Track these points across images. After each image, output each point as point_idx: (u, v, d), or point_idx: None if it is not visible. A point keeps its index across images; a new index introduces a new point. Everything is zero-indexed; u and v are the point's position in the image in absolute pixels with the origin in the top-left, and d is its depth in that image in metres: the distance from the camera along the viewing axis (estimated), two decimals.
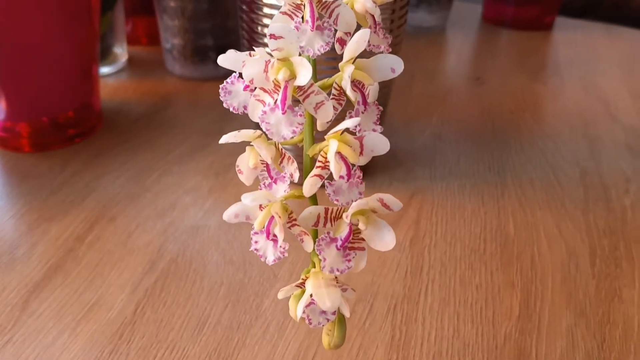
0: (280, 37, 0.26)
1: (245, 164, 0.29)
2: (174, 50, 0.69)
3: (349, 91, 0.27)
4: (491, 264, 0.45)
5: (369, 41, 0.31)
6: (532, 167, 0.58)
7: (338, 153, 0.26)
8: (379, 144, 0.26)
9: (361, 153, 0.26)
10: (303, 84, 0.26)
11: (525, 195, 0.53)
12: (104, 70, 0.70)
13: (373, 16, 0.31)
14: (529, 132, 0.64)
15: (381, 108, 0.29)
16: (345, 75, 0.27)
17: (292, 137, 0.26)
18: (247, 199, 0.25)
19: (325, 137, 0.26)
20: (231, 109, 0.30)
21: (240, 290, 0.42)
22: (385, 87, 0.51)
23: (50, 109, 0.54)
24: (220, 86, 0.30)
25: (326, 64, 0.43)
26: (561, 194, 0.54)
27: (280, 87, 0.26)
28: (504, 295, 0.42)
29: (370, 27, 0.31)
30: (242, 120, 0.63)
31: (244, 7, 0.47)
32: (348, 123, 0.25)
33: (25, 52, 0.50)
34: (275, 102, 0.27)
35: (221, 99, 0.30)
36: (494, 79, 0.76)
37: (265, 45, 0.46)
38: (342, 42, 0.31)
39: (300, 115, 0.26)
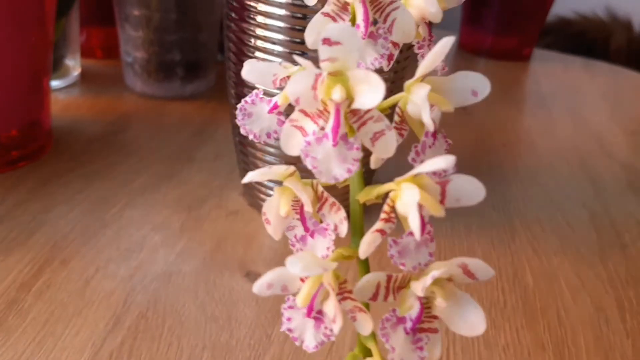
0: (337, 44, 0.19)
1: (275, 211, 0.22)
2: (136, 64, 0.61)
3: (426, 118, 0.20)
4: (515, 321, 0.39)
5: (421, 56, 0.25)
6: (538, 207, 0.53)
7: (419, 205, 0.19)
8: (468, 190, 0.20)
9: (442, 202, 0.20)
10: (369, 107, 0.19)
11: (536, 239, 0.48)
12: (54, 83, 0.61)
13: (430, 26, 0.25)
14: (527, 168, 0.59)
15: (450, 141, 0.22)
16: (420, 97, 0.20)
17: (346, 177, 0.19)
18: (295, 266, 0.18)
19: (396, 180, 0.20)
20: (251, 137, 0.23)
21: (228, 356, 0.34)
22: None
23: None
24: (238, 106, 0.23)
25: None
26: (574, 239, 0.49)
27: (329, 111, 0.20)
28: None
29: (424, 40, 0.25)
30: (216, 144, 0.56)
31: (233, 14, 0.40)
32: (440, 163, 0.18)
33: None
34: (322, 130, 0.20)
35: (238, 122, 0.23)
36: (480, 110, 0.71)
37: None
38: (390, 57, 0.24)
39: (357, 149, 0.20)
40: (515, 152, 0.62)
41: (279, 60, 0.38)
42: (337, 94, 0.19)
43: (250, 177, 0.21)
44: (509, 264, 0.45)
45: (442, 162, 0.18)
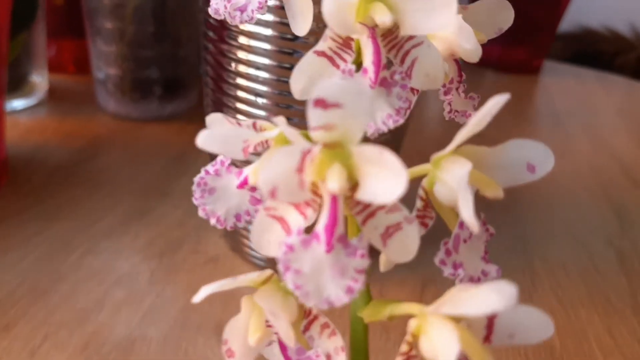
0: (335, 106, 0.13)
1: (240, 337, 0.16)
2: (109, 82, 0.54)
3: (468, 213, 0.14)
4: None
5: (450, 104, 0.19)
6: (560, 245, 0.47)
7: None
8: (529, 325, 0.13)
9: (488, 339, 0.14)
10: (384, 203, 0.13)
11: (560, 286, 0.42)
12: (16, 104, 0.55)
13: (459, 63, 0.18)
14: (544, 197, 0.53)
15: (492, 230, 0.16)
16: (459, 179, 0.14)
17: (346, 301, 0.13)
18: None
19: (423, 311, 0.14)
20: (213, 221, 0.17)
21: None
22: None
23: None
24: (195, 180, 0.17)
25: None
26: (602, 285, 0.43)
27: (323, 199, 0.13)
28: None
29: (451, 82, 0.19)
30: (196, 174, 0.49)
31: (211, 33, 0.34)
32: (493, 302, 0.12)
33: None
34: (311, 229, 0.14)
35: (196, 201, 0.17)
36: (490, 130, 0.65)
37: (242, 89, 0.33)
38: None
39: (362, 256, 0.13)
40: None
41: (264, 89, 0.32)
42: (335, 181, 0.13)
43: (206, 291, 0.15)
44: None
45: (498, 299, 0.12)
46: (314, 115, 0.13)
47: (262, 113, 0.32)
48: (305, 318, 0.16)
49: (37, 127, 0.54)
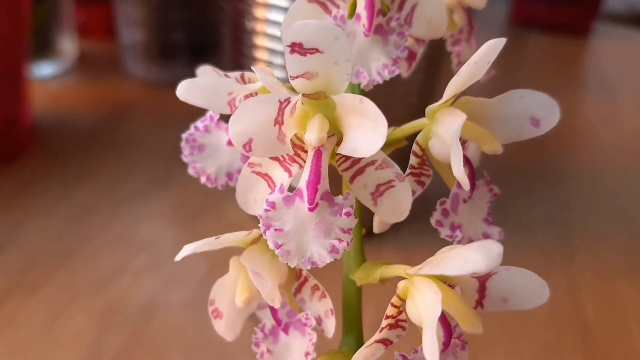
0: (314, 51, 0.12)
1: (228, 297, 0.15)
2: (136, 47, 0.54)
3: (458, 169, 0.13)
4: None
5: (459, 56, 0.17)
6: (601, 216, 0.45)
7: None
8: (523, 289, 0.13)
9: (480, 303, 0.12)
10: (363, 156, 0.12)
11: (599, 257, 0.40)
12: (45, 70, 0.55)
13: (469, 12, 0.17)
14: (588, 167, 0.51)
15: (496, 190, 0.15)
16: (450, 132, 0.13)
17: (330, 261, 0.12)
18: None
19: (406, 272, 0.12)
20: (203, 179, 0.16)
21: None
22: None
23: None
24: (184, 136, 0.16)
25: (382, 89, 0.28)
26: None
27: (307, 154, 0.12)
28: None
29: (460, 32, 0.17)
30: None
31: None
32: (477, 262, 0.11)
33: None
34: (292, 186, 0.12)
35: (184, 159, 0.16)
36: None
37: (260, 50, 0.31)
38: (411, 57, 0.17)
39: (348, 215, 0.12)
40: (574, 146, 0.54)
41: (282, 48, 0.31)
42: (314, 132, 0.12)
43: (188, 250, 0.14)
44: (566, 293, 0.37)
45: (481, 259, 0.10)
46: (292, 62, 0.12)
47: (279, 75, 0.31)
48: (296, 280, 0.15)
49: (65, 93, 0.54)
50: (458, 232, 0.14)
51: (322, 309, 0.15)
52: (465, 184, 0.13)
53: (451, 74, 0.15)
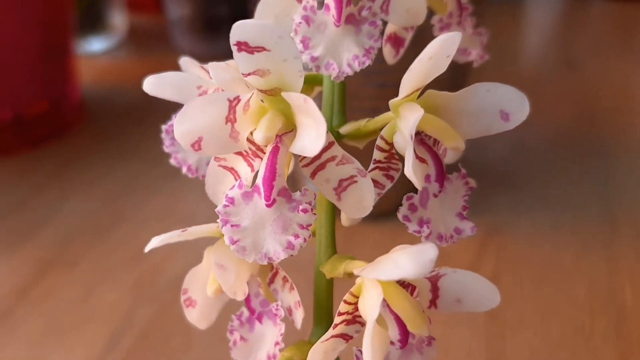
0: (260, 49, 0.11)
1: (201, 287, 0.16)
2: (182, 21, 0.55)
3: (409, 167, 0.12)
4: (603, 356, 0.31)
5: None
6: None
7: (387, 306, 0.12)
8: (474, 290, 0.12)
9: (434, 303, 0.12)
10: (307, 155, 0.12)
11: None
12: (96, 46, 0.56)
13: None
14: (636, 145, 0.48)
15: (472, 183, 0.14)
16: (407, 126, 0.13)
17: (284, 257, 0.12)
18: None
19: (354, 271, 0.12)
20: (184, 170, 0.16)
21: None
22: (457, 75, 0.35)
23: (8, 101, 0.41)
24: (164, 127, 0.17)
25: (374, 79, 0.28)
26: None
27: (264, 152, 0.12)
28: None
29: (450, 15, 0.16)
30: None
31: None
32: (406, 267, 0.11)
33: None
34: (252, 182, 0.13)
35: (166, 149, 0.16)
36: (588, 64, 0.60)
37: None
38: (398, 43, 0.16)
39: (304, 211, 0.12)
40: (629, 120, 0.51)
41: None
42: (261, 131, 0.12)
43: (155, 242, 0.15)
44: (603, 273, 0.36)
45: (411, 265, 0.10)
46: (241, 60, 0.12)
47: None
48: (269, 272, 0.16)
49: (114, 68, 0.56)
50: (425, 228, 0.14)
51: (292, 300, 0.15)
52: (416, 183, 0.13)
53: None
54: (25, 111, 0.42)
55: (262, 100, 0.12)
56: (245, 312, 0.16)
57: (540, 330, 0.32)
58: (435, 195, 0.14)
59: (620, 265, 0.36)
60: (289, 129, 0.12)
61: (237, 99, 0.12)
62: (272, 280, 0.16)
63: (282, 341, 0.15)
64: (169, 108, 0.52)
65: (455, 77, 0.35)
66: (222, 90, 0.15)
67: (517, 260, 0.36)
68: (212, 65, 0.13)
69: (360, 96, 0.28)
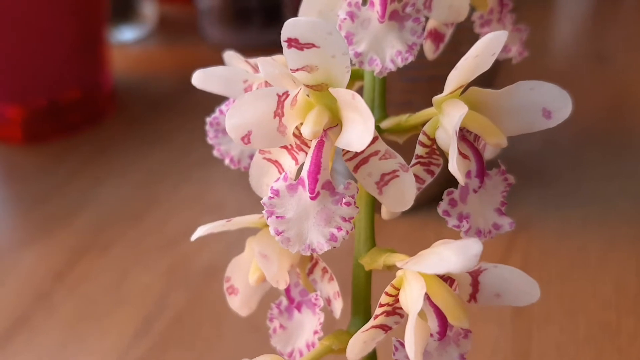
0: (310, 46, 0.12)
1: (243, 276, 0.16)
2: (211, 12, 0.55)
3: (453, 162, 0.13)
4: (629, 353, 0.31)
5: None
6: None
7: (427, 299, 0.12)
8: (514, 286, 0.12)
9: (474, 297, 0.13)
10: (355, 150, 0.12)
11: None
12: (127, 35, 0.57)
13: None
14: None
15: (511, 179, 0.14)
16: (451, 123, 0.13)
17: (327, 249, 0.13)
18: None
19: (397, 264, 0.13)
20: (227, 162, 0.17)
21: None
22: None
23: (43, 89, 0.42)
24: (208, 120, 0.17)
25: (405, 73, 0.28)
26: None
27: (309, 145, 0.13)
28: None
29: (491, 12, 0.17)
30: None
31: None
32: (452, 261, 0.11)
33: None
34: (296, 174, 0.13)
35: (210, 141, 0.17)
36: (620, 58, 0.59)
37: None
38: (438, 38, 0.16)
39: (347, 204, 0.13)
40: None
41: None
42: (309, 126, 0.12)
43: (201, 232, 0.15)
44: (632, 271, 0.35)
45: (456, 259, 0.11)
46: (290, 56, 0.12)
47: None
48: (310, 261, 0.16)
49: (145, 57, 0.56)
50: (465, 223, 0.14)
51: (331, 291, 0.15)
52: (459, 178, 0.13)
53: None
54: (59, 99, 0.43)
55: (308, 95, 0.13)
56: (284, 301, 0.16)
57: (567, 327, 0.32)
58: (475, 191, 0.14)
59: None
60: (334, 124, 0.13)
61: (286, 94, 0.13)
62: (311, 271, 0.16)
63: (321, 330, 0.15)
64: (200, 97, 0.52)
65: (487, 71, 0.35)
66: (268, 85, 0.15)
67: (545, 256, 0.36)
68: (260, 60, 0.13)
69: (392, 89, 0.29)
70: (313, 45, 0.12)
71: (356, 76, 0.16)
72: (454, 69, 0.13)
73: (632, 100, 0.52)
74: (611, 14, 0.70)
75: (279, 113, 0.13)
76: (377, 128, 0.15)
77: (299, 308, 0.16)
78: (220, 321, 0.32)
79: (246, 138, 0.13)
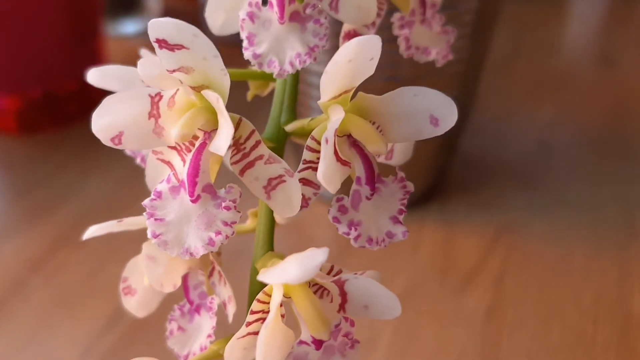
0: (181, 47, 0.12)
1: (142, 276, 0.16)
2: None
3: (320, 171, 0.12)
4: None
5: (407, 40, 0.17)
6: None
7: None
8: (377, 298, 0.12)
9: (342, 307, 0.12)
10: (220, 154, 0.12)
11: None
12: (130, 28, 0.57)
13: None
14: None
15: (410, 187, 0.14)
16: (329, 128, 0.13)
17: (204, 253, 0.12)
18: None
19: (261, 279, 0.12)
20: (138, 161, 0.17)
21: None
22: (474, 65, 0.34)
23: (39, 80, 0.43)
24: None
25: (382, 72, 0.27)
26: None
27: (192, 147, 0.13)
28: None
29: (413, 13, 0.16)
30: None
31: None
32: (291, 271, 0.11)
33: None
34: (179, 177, 0.13)
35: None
36: (625, 61, 0.57)
37: None
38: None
39: (226, 209, 0.12)
40: None
41: None
42: (177, 128, 0.12)
43: (91, 232, 0.15)
44: (613, 280, 0.35)
45: (294, 270, 0.10)
46: (163, 57, 0.12)
47: None
48: (209, 266, 0.16)
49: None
50: (353, 230, 0.14)
51: (226, 295, 0.15)
52: (329, 188, 0.13)
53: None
54: (55, 90, 0.44)
55: (194, 97, 0.13)
56: (184, 308, 0.16)
57: (539, 335, 0.31)
58: (368, 198, 0.14)
59: (633, 271, 0.35)
60: (212, 129, 0.13)
61: (159, 95, 0.13)
62: (211, 274, 0.16)
63: (214, 334, 0.15)
64: None
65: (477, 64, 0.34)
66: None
67: (526, 261, 0.36)
68: (141, 62, 0.13)
69: (371, 90, 0.28)
70: (182, 47, 0.12)
71: (270, 77, 0.16)
72: (323, 73, 0.13)
73: (634, 105, 0.51)
74: (624, 16, 0.68)
75: (154, 114, 0.13)
76: (283, 131, 0.15)
77: (198, 311, 0.16)
78: None
79: (117, 139, 0.13)
